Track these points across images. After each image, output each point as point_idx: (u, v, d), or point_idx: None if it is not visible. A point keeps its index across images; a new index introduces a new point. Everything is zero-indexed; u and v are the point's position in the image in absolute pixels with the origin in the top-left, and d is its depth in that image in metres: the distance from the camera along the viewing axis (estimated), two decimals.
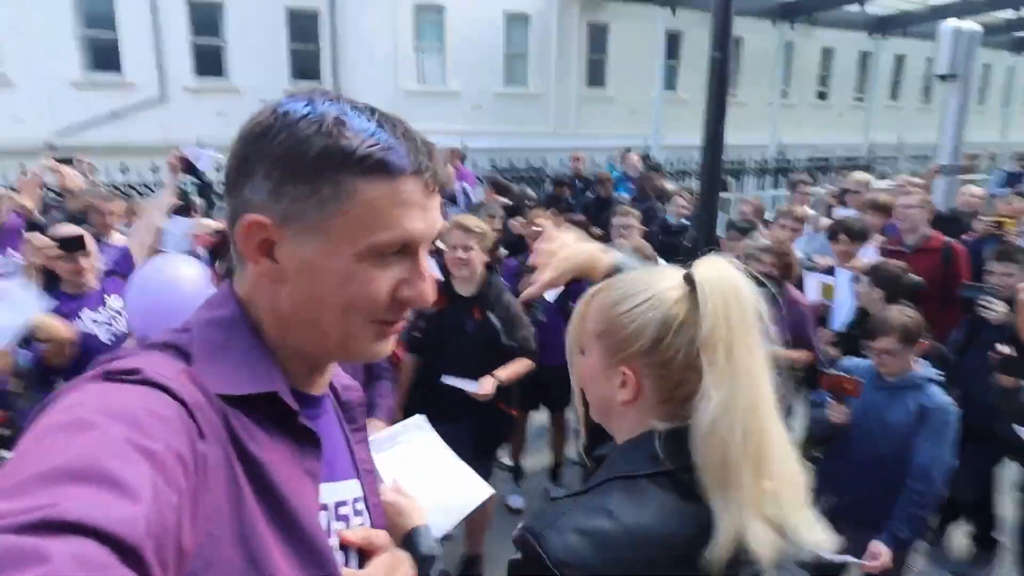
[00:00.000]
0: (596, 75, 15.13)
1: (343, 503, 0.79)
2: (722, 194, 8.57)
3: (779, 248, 3.43)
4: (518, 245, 4.55)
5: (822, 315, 3.64)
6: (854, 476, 2.48)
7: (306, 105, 0.65)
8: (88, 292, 2.89)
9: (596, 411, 0.99)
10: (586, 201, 6.90)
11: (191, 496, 0.54)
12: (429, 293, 0.70)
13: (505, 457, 4.24)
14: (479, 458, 3.09)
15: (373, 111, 0.69)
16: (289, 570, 0.64)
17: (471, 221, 3.05)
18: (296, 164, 0.63)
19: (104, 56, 11.57)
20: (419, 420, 1.46)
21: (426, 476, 1.32)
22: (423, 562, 1.09)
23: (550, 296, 3.68)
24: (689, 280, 0.88)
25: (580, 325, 0.98)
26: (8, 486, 0.46)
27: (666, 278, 0.91)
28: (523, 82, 14.21)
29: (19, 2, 10.59)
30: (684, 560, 0.81)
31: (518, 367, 3.00)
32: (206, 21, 12.28)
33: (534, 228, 4.10)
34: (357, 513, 0.81)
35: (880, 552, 2.31)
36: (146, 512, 0.47)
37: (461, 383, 2.84)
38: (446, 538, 3.51)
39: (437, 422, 2.71)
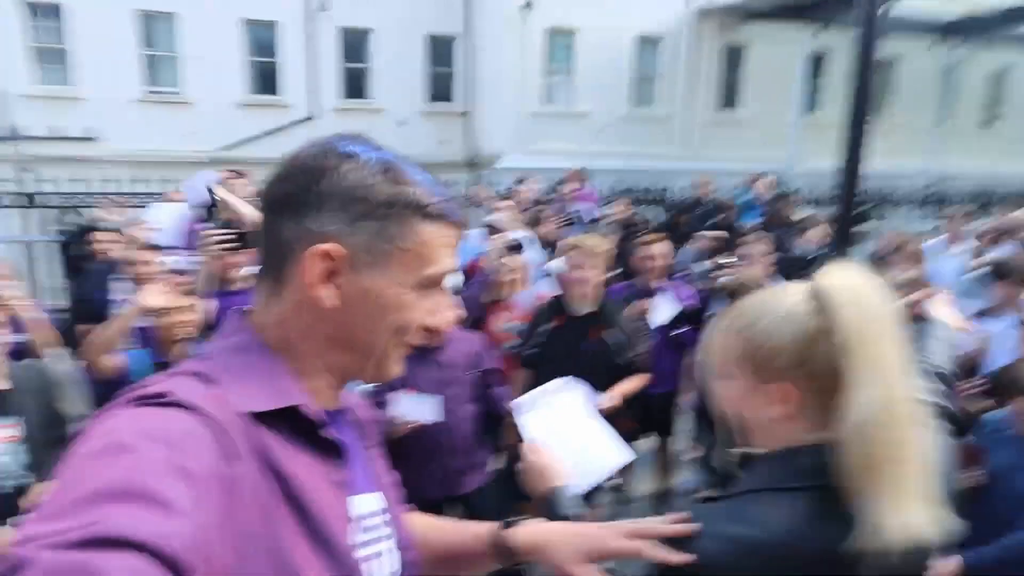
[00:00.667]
0: (728, 97, 14.61)
1: (371, 514, 0.81)
2: (865, 225, 7.93)
3: (917, 283, 3.10)
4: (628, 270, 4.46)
5: (973, 366, 3.24)
6: (977, 537, 2.22)
7: (365, 149, 0.73)
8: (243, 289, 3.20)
9: (747, 432, 0.98)
10: (713, 227, 6.64)
11: (226, 513, 0.56)
12: (450, 321, 0.82)
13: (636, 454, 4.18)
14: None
15: (411, 161, 0.77)
16: None
17: (591, 241, 3.09)
18: (370, 203, 0.71)
19: (265, 80, 12.85)
20: (567, 380, 1.50)
21: (567, 437, 1.34)
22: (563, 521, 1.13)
23: (660, 320, 3.59)
24: (816, 290, 0.89)
25: (718, 353, 0.98)
26: (56, 508, 0.48)
27: (791, 292, 0.93)
28: (649, 104, 14.01)
29: (199, 33, 12.03)
30: (826, 572, 0.82)
31: (635, 383, 3.00)
32: (354, 47, 13.27)
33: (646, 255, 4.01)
34: (383, 525, 0.83)
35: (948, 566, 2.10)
36: (188, 528, 0.49)
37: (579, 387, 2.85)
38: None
39: None
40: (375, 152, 0.73)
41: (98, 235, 4.25)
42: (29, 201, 6.53)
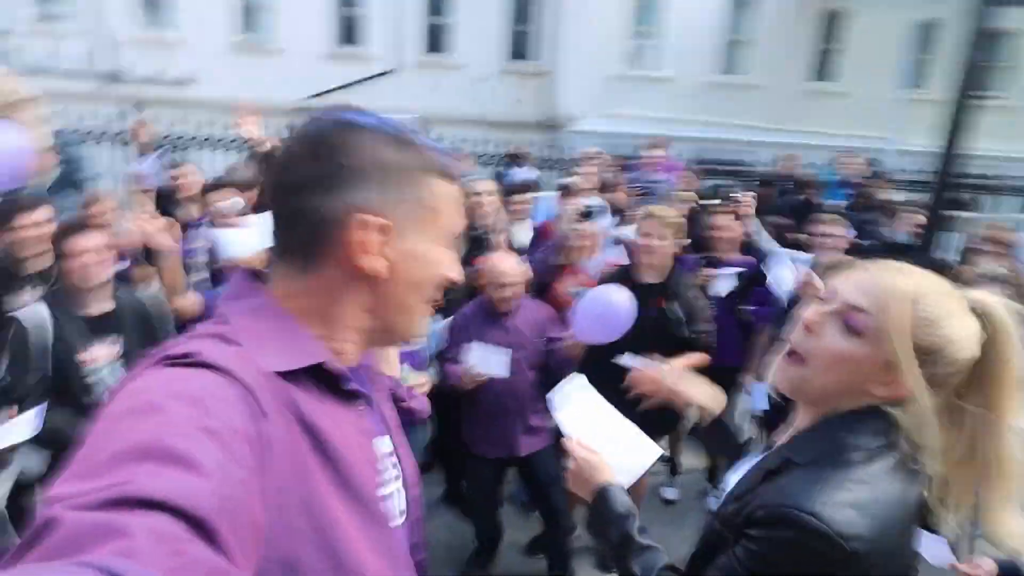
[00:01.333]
0: (826, 67, 13.74)
1: (385, 456, 0.84)
2: (967, 213, 7.40)
3: (1014, 280, 2.92)
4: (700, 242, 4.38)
5: None
6: None
7: (372, 120, 0.76)
8: None
9: (819, 389, 0.98)
10: (793, 203, 6.38)
11: (258, 472, 0.57)
12: (460, 275, 0.86)
13: (663, 449, 4.20)
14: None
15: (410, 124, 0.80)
16: (355, 531, 0.69)
17: (666, 211, 3.06)
18: (396, 170, 0.75)
19: (351, 31, 13.04)
20: (581, 381, 1.54)
21: (602, 433, 1.37)
22: (619, 520, 1.17)
23: (723, 290, 3.54)
24: (984, 314, 0.94)
25: (879, 316, 0.94)
26: (83, 468, 0.50)
27: (966, 305, 0.95)
28: (741, 71, 13.37)
29: None
30: (911, 530, 0.93)
31: (694, 359, 2.97)
32: (437, 1, 13.23)
33: (713, 225, 3.93)
34: (392, 466, 0.86)
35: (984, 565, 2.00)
36: (216, 488, 0.50)
37: (638, 362, 2.85)
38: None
39: None
40: (382, 122, 0.76)
41: (180, 170, 4.28)
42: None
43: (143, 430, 0.52)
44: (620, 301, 2.65)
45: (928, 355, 0.91)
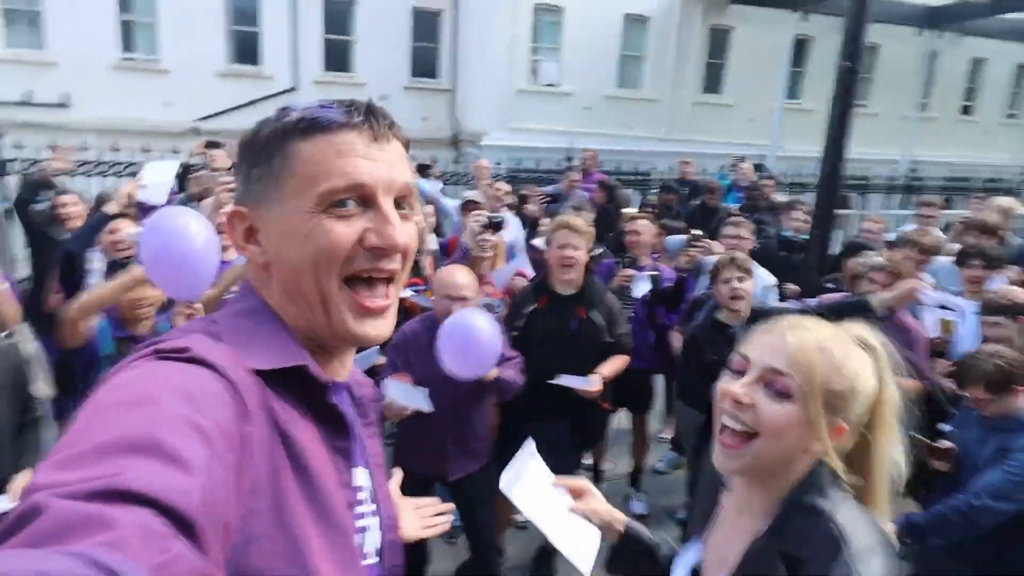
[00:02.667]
0: (713, 81, 14.63)
1: (359, 488, 0.80)
2: (844, 211, 8.05)
3: (894, 267, 3.19)
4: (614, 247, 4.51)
5: (941, 351, 3.34)
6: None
7: (276, 115, 0.75)
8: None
9: (773, 456, 0.98)
10: (691, 209, 6.70)
11: (236, 472, 0.56)
12: (396, 237, 0.71)
13: (586, 457, 4.23)
14: (572, 454, 3.13)
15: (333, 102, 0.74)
16: (319, 546, 0.66)
17: (577, 221, 3.07)
18: (255, 151, 0.73)
19: (246, 50, 12.57)
20: (531, 450, 1.47)
21: (549, 516, 1.32)
22: (654, 550, 1.23)
23: (636, 293, 3.65)
24: (866, 345, 1.01)
25: (794, 369, 0.96)
26: (71, 456, 0.48)
27: (855, 342, 1.01)
28: (636, 85, 13.99)
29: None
30: None
31: (618, 363, 3.03)
32: (338, 19, 13.02)
33: (631, 231, 4.05)
34: (358, 503, 0.80)
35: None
36: (201, 486, 0.50)
37: (573, 381, 2.86)
38: (522, 527, 3.62)
39: (536, 420, 2.74)
40: (282, 113, 0.74)
41: (62, 199, 4.06)
42: (3, 167, 6.37)
43: (133, 422, 0.51)
44: (483, 328, 2.45)
45: (846, 398, 0.96)
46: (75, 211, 4.02)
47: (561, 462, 3.04)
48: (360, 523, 0.79)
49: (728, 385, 1.00)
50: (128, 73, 11.65)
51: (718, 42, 14.41)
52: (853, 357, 0.98)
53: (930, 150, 14.69)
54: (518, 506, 1.33)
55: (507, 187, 5.20)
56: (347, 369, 0.82)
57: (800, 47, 14.00)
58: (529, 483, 1.38)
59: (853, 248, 4.54)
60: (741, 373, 1.01)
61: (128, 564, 0.40)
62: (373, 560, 0.82)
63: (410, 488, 3.02)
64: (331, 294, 0.70)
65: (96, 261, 3.43)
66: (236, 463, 0.57)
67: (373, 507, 0.83)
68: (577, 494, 1.32)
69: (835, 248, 5.83)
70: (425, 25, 13.52)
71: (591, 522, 1.28)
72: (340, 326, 0.72)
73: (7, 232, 5.80)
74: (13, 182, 6.19)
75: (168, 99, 11.39)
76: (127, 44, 11.95)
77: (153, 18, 11.89)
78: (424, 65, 13.74)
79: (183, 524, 0.46)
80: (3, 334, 2.58)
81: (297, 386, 0.69)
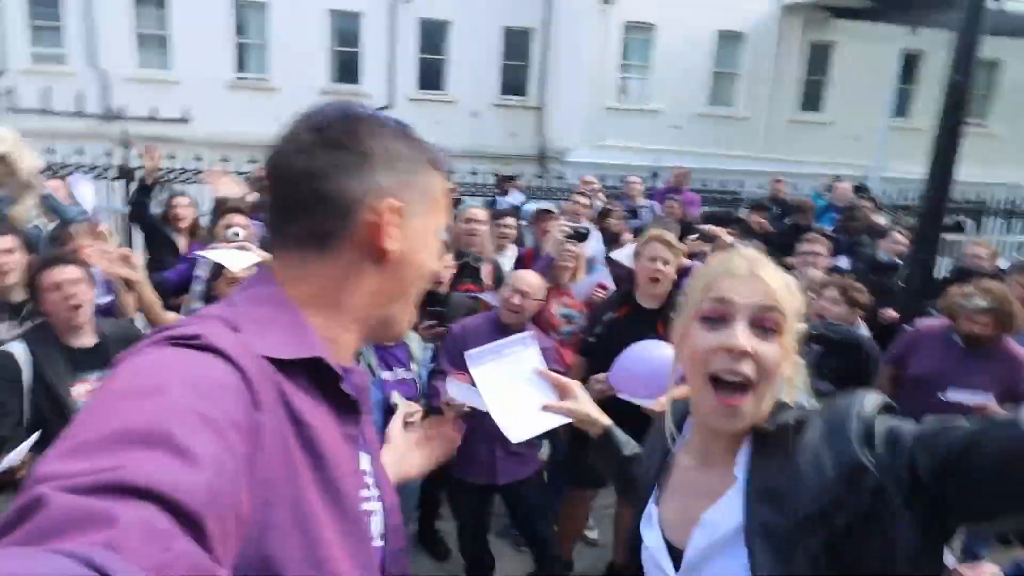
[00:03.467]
0: (812, 98, 14.04)
1: (365, 473, 0.83)
2: (954, 236, 7.47)
3: (1001, 307, 2.92)
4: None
5: None
6: None
7: (378, 114, 0.79)
8: None
9: (766, 405, 0.98)
10: (782, 228, 6.43)
11: (248, 463, 0.56)
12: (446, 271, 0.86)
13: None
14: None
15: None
16: (333, 534, 0.66)
17: (670, 236, 3.03)
18: (405, 159, 0.77)
19: (347, 69, 13.28)
20: (526, 336, 1.56)
21: (511, 391, 1.41)
22: (627, 460, 1.28)
23: None
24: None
25: (785, 302, 0.98)
26: (76, 446, 0.48)
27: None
28: (728, 103, 13.64)
29: (288, 22, 12.55)
30: None
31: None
32: (432, 39, 13.52)
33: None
34: (365, 487, 0.82)
35: None
36: (208, 480, 0.49)
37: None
38: (592, 543, 3.58)
39: None
40: (382, 115, 0.79)
41: (176, 200, 4.38)
42: (126, 175, 7.00)
43: (142, 412, 0.51)
44: (664, 358, 2.53)
45: (798, 319, 0.99)
46: (187, 212, 4.35)
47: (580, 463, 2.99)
48: (367, 507, 0.81)
49: (721, 338, 0.95)
50: (241, 91, 12.58)
51: (818, 58, 13.84)
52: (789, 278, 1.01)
53: None
54: (474, 378, 1.44)
55: (585, 200, 5.17)
56: (350, 358, 0.83)
57: (909, 63, 13.23)
58: (504, 363, 1.45)
59: (960, 273, 4.22)
60: (721, 320, 0.96)
61: (124, 566, 0.39)
62: (379, 543, 0.83)
63: (466, 499, 3.08)
64: (415, 300, 0.84)
65: (202, 267, 3.69)
66: (247, 454, 0.56)
67: (377, 492, 0.85)
68: (562, 391, 1.40)
69: (942, 273, 5.43)
70: (515, 43, 13.79)
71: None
72: (406, 325, 0.85)
73: (131, 232, 6.36)
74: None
75: (276, 115, 12.05)
76: (241, 64, 12.92)
77: (264, 40, 12.80)
78: (513, 82, 14.01)
79: (188, 520, 0.46)
80: (127, 319, 2.85)
81: (310, 375, 0.69)
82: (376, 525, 0.83)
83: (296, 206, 0.74)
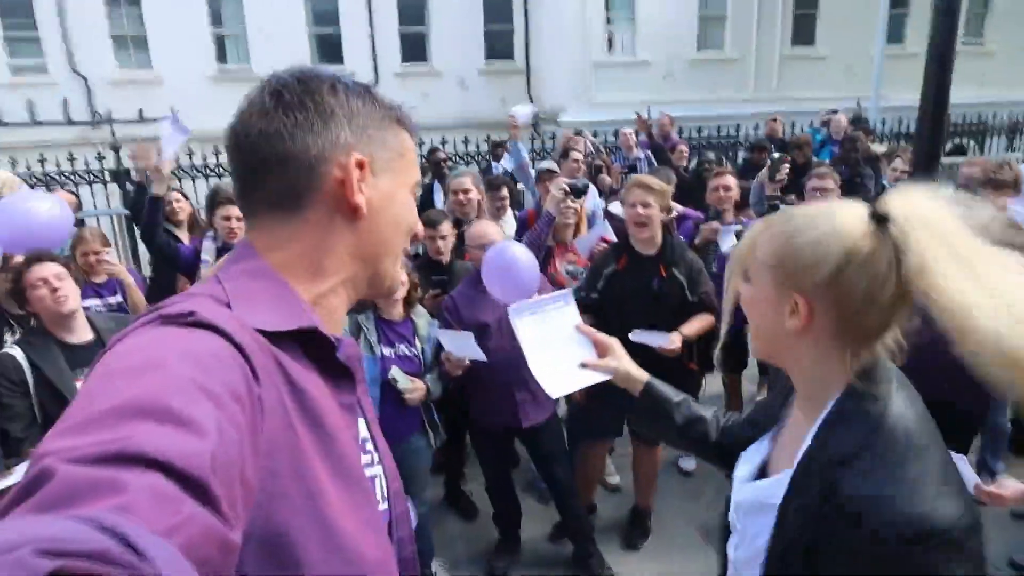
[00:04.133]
0: (804, 32, 13.73)
1: (365, 439, 0.84)
2: (954, 159, 7.37)
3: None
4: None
5: None
6: None
7: (338, 75, 0.79)
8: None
9: (761, 340, 1.01)
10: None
11: (250, 433, 0.56)
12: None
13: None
14: None
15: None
16: (339, 500, 0.67)
17: (650, 179, 3.04)
18: (369, 116, 0.77)
19: (329, 50, 13.10)
20: (566, 293, 1.56)
21: (552, 345, 1.43)
22: (678, 407, 1.32)
23: (725, 247, 3.53)
24: (877, 215, 0.86)
25: (749, 252, 0.99)
26: (80, 420, 0.48)
27: (849, 211, 0.89)
28: (718, 46, 13.37)
29: (263, 6, 12.34)
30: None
31: (702, 323, 2.97)
32: (411, 11, 13.28)
33: (719, 186, 3.93)
34: (366, 452, 0.83)
35: None
36: (212, 448, 0.49)
37: (650, 338, 2.84)
38: (615, 489, 3.67)
39: None
40: (339, 75, 0.78)
41: (171, 196, 4.34)
42: (117, 178, 7.00)
43: (142, 386, 0.51)
44: (518, 256, 2.62)
45: (791, 265, 0.95)
46: (182, 207, 4.39)
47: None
48: (369, 472, 0.82)
49: None
50: (224, 83, 12.43)
51: None
52: (819, 226, 0.89)
53: None
54: (516, 330, 1.43)
55: (577, 154, 5.11)
56: (341, 327, 0.84)
57: None
58: (544, 319, 1.47)
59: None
60: None
61: (139, 528, 0.39)
62: (383, 507, 0.85)
63: (491, 444, 3.17)
64: (398, 255, 0.84)
65: (207, 249, 3.72)
66: (249, 424, 0.57)
67: (377, 456, 0.86)
68: (601, 349, 1.41)
69: None
70: (497, 7, 13.52)
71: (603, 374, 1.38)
72: (394, 283, 0.86)
73: (134, 233, 6.38)
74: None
75: None
76: (223, 56, 12.75)
77: (242, 29, 12.61)
78: (499, 47, 13.77)
79: (195, 487, 0.46)
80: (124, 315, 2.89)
81: (304, 345, 0.70)
82: (380, 488, 0.85)
83: (262, 168, 0.73)
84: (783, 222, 0.95)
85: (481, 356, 2.68)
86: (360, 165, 0.74)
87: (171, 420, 0.49)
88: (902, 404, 0.88)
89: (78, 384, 2.34)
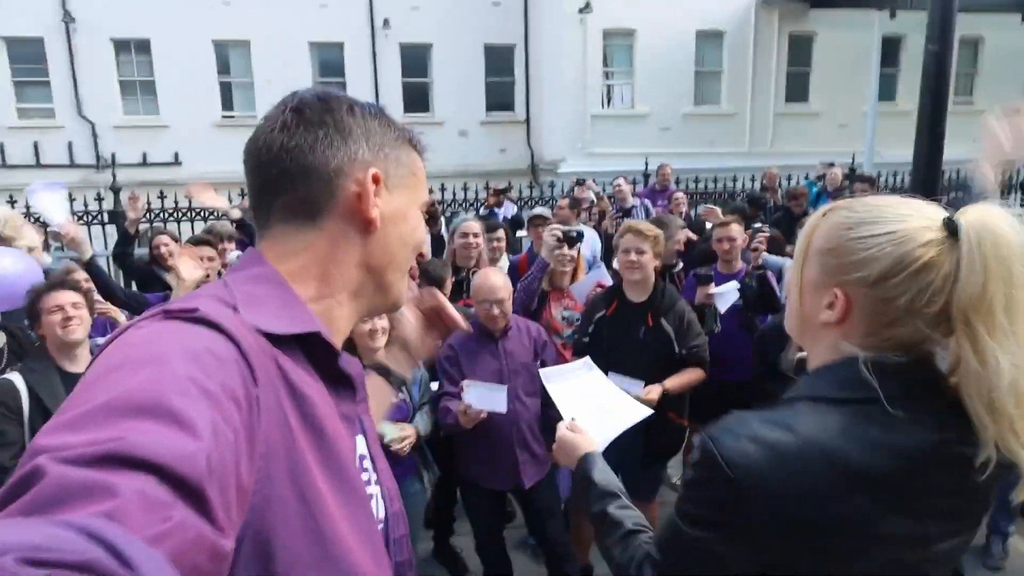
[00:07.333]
0: (797, 90, 14.08)
1: (363, 456, 0.83)
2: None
3: None
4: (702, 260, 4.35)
5: None
6: None
7: (354, 97, 0.82)
8: None
9: (793, 323, 0.98)
10: (776, 218, 6.40)
11: (247, 435, 0.55)
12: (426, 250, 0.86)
13: (676, 477, 4.05)
14: (645, 468, 3.01)
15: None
16: (336, 507, 0.66)
17: (643, 225, 3.02)
18: (384, 135, 0.80)
19: None
20: (587, 360, 1.67)
21: (589, 400, 1.51)
22: (598, 495, 1.20)
23: (723, 307, 3.45)
24: (950, 226, 0.80)
25: (807, 239, 0.94)
26: (74, 417, 0.48)
27: (921, 215, 0.84)
28: (714, 101, 13.68)
29: (270, 57, 12.66)
30: (858, 486, 0.80)
31: (689, 376, 2.89)
32: (415, 62, 13.64)
33: (724, 237, 3.90)
34: (364, 470, 0.82)
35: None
36: (207, 450, 0.48)
37: (626, 383, 2.76)
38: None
39: None
40: (354, 98, 0.82)
41: (160, 239, 4.35)
42: (115, 219, 7.05)
43: (140, 382, 0.51)
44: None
45: (840, 257, 0.92)
46: (171, 248, 4.31)
47: (633, 475, 2.91)
48: (368, 490, 0.80)
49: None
50: (229, 130, 12.65)
51: (799, 49, 13.92)
52: (881, 223, 0.84)
53: None
54: (551, 395, 1.49)
55: (565, 202, 5.15)
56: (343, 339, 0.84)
57: (890, 47, 13.27)
58: (574, 383, 1.55)
59: None
60: None
61: (128, 536, 0.38)
62: (380, 526, 0.82)
63: (485, 504, 3.04)
64: (405, 272, 0.86)
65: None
66: (246, 426, 0.55)
67: (375, 476, 0.85)
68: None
69: None
70: (498, 60, 13.90)
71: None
72: (399, 298, 0.87)
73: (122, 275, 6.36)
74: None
75: None
76: (229, 103, 13.01)
77: (249, 78, 12.91)
78: (499, 99, 14.09)
79: (188, 490, 0.45)
80: None
81: (307, 351, 0.70)
82: (377, 508, 0.83)
83: (282, 178, 0.75)
84: (845, 211, 0.90)
85: (504, 409, 2.65)
86: (376, 180, 0.77)
87: (167, 420, 0.48)
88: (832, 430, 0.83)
89: None
